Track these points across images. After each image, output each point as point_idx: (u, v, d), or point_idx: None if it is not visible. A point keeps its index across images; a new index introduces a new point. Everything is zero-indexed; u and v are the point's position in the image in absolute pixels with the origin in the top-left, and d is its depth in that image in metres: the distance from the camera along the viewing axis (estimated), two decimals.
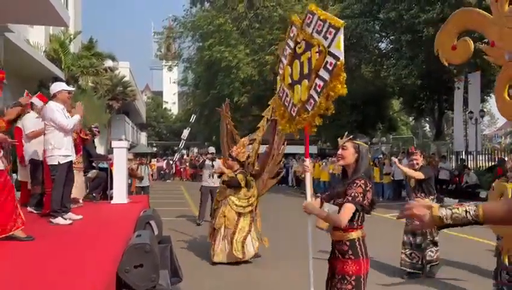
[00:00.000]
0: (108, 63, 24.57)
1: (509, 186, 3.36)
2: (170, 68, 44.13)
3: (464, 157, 19.03)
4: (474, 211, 1.50)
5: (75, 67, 19.84)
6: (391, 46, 21.57)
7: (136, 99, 34.42)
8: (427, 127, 48.54)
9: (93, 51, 21.94)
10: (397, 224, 6.33)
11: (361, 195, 2.61)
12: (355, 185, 2.64)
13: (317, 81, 2.98)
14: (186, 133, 29.80)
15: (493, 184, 4.06)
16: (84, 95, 19.26)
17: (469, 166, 17.34)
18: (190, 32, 34.10)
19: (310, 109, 3.06)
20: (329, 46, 2.90)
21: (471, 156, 18.86)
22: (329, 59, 2.88)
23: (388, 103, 30.99)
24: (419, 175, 5.67)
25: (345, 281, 2.63)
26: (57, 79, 16.94)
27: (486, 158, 18.92)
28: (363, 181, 2.65)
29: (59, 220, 4.41)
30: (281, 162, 6.82)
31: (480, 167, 18.18)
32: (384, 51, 22.11)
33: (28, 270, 2.75)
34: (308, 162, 3.20)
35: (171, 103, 69.78)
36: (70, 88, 5.09)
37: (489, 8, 1.77)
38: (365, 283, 2.67)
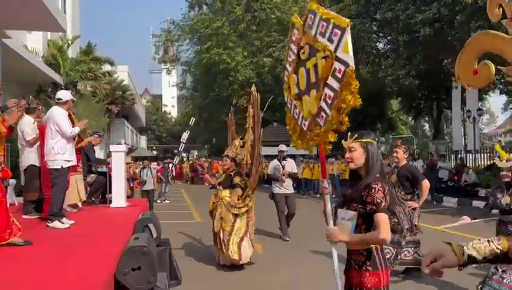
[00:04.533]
0: (107, 67, 24.61)
1: None
2: (169, 71, 44.15)
3: (462, 156, 19.06)
4: (499, 241, 1.42)
5: (73, 72, 19.86)
6: (388, 46, 21.63)
7: (135, 103, 34.45)
8: (427, 126, 48.60)
9: (91, 55, 21.96)
10: None
11: (384, 199, 2.38)
12: (373, 190, 2.39)
13: (327, 91, 2.63)
14: (185, 136, 29.74)
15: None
16: (82, 99, 19.29)
17: (468, 165, 17.36)
18: (188, 36, 34.19)
19: (321, 124, 2.71)
20: (335, 51, 2.55)
21: (470, 155, 18.88)
22: (337, 66, 2.54)
23: (387, 103, 31.09)
24: (425, 190, 5.56)
25: None
26: (55, 84, 17.01)
27: (485, 157, 18.94)
28: (380, 185, 2.41)
29: (56, 224, 4.44)
30: (260, 153, 6.82)
31: (479, 165, 18.20)
32: (381, 51, 22.16)
33: (26, 274, 2.78)
34: (326, 183, 2.87)
35: (171, 106, 69.85)
36: (75, 98, 5.35)
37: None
38: None
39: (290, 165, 8.50)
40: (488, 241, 1.43)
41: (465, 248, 1.43)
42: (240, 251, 6.10)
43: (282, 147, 8.76)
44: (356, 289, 2.44)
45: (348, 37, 2.47)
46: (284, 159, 8.51)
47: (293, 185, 8.70)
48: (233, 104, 26.25)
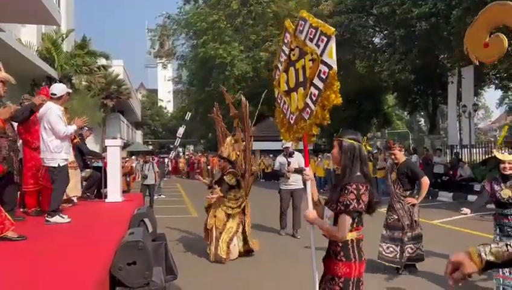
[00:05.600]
0: (102, 61, 24.47)
1: None
2: (165, 66, 44.05)
3: (458, 150, 19.13)
4: None
5: (68, 66, 19.74)
6: (385, 41, 21.60)
7: (131, 97, 34.32)
8: (422, 121, 48.73)
9: (86, 49, 21.82)
10: None
11: (355, 201, 2.47)
12: (346, 191, 2.49)
13: (312, 89, 2.93)
14: (181, 130, 29.71)
15: None
16: (77, 94, 19.18)
17: (463, 159, 17.43)
18: (184, 30, 34.05)
19: (306, 118, 3.00)
20: (321, 55, 2.87)
21: (466, 150, 18.97)
22: (322, 68, 2.85)
23: (383, 98, 31.13)
24: (425, 186, 5.57)
25: (333, 282, 2.57)
26: (50, 78, 16.89)
27: (481, 151, 19.03)
28: (354, 186, 2.49)
29: (57, 219, 4.41)
30: (251, 159, 6.88)
31: (474, 160, 18.28)
32: (377, 46, 22.13)
33: (21, 269, 2.75)
34: (308, 170, 3.06)
35: (166, 101, 69.70)
36: (70, 90, 5.19)
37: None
38: (355, 287, 2.54)
39: (297, 161, 8.06)
40: (507, 245, 1.39)
41: (482, 254, 1.40)
42: (228, 249, 6.30)
43: (287, 142, 8.36)
44: (329, 275, 2.62)
45: (332, 44, 2.80)
46: (290, 155, 8.21)
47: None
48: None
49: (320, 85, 2.85)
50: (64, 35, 20.19)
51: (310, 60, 3.01)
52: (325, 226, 2.62)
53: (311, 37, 3.01)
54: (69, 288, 2.34)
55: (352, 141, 2.64)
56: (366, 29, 21.09)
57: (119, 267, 2.76)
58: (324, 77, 2.82)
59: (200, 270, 5.96)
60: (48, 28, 18.99)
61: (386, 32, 20.73)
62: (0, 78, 4.38)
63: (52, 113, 4.59)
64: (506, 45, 1.66)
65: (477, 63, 1.85)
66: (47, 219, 4.44)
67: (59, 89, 4.85)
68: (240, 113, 6.78)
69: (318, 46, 2.91)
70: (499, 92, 31.22)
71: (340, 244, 2.57)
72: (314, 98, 2.92)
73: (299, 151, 7.83)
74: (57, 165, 4.59)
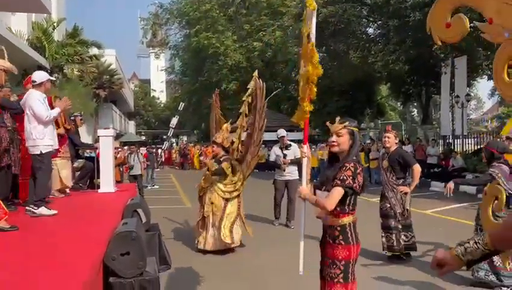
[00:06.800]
0: (94, 50, 24.19)
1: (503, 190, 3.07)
2: (157, 56, 43.74)
3: (450, 141, 19.26)
4: (483, 239, 1.47)
5: (59, 55, 19.50)
6: (378, 31, 21.56)
7: (123, 87, 34.00)
8: (415, 112, 48.93)
9: (77, 38, 21.54)
10: None
11: (351, 178, 2.59)
12: (344, 168, 2.63)
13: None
14: (174, 121, 29.61)
15: (485, 188, 3.83)
16: (69, 83, 18.98)
17: (456, 150, 17.56)
18: (177, 19, 33.72)
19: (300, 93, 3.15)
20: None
21: (458, 140, 19.10)
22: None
23: (376, 89, 31.16)
24: (416, 174, 5.59)
25: (334, 266, 2.67)
26: (41, 68, 16.67)
27: (473, 142, 19.16)
28: (352, 164, 2.64)
29: (43, 210, 4.31)
30: (261, 141, 6.70)
31: (466, 150, 18.42)
32: (371, 36, 22.09)
33: (13, 260, 2.73)
34: (306, 148, 3.17)
35: (159, 91, 69.21)
36: (53, 78, 5.00)
37: None
38: (354, 267, 2.71)
39: (293, 152, 7.99)
40: (476, 242, 1.47)
41: (460, 256, 1.49)
42: (232, 234, 6.18)
43: (282, 132, 8.18)
44: (329, 260, 2.71)
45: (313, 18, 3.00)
46: (287, 147, 8.05)
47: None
48: (224, 89, 26.04)
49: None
50: (55, 24, 19.90)
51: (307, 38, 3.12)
52: (315, 199, 2.74)
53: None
54: (63, 278, 2.32)
55: (357, 129, 2.81)
56: (360, 20, 21.01)
57: (112, 257, 2.74)
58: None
59: (193, 260, 5.96)
60: (38, 16, 18.70)
61: (379, 22, 20.68)
62: (3, 67, 4.28)
63: (31, 98, 4.44)
64: (468, 25, 1.67)
65: (440, 43, 1.86)
66: (33, 210, 4.30)
67: (39, 76, 4.69)
68: (253, 92, 6.43)
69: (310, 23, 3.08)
70: (491, 83, 31.36)
71: (339, 229, 2.68)
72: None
73: (299, 141, 7.72)
74: (39, 153, 4.43)
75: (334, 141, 2.75)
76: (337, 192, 2.59)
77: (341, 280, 2.65)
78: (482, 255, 1.48)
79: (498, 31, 1.58)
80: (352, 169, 2.61)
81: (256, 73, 6.60)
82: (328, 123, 2.84)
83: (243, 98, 6.63)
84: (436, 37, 1.76)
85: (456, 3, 1.71)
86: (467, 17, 1.65)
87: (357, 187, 2.63)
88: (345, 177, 2.59)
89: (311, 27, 3.02)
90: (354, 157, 2.71)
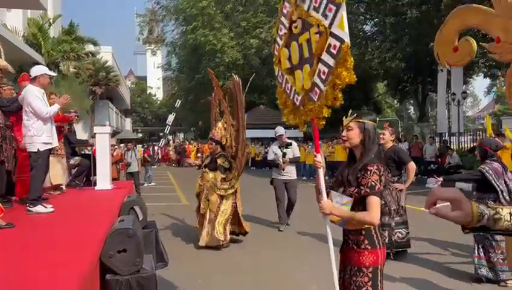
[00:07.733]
0: (90, 47, 24.09)
1: None
2: (154, 53, 43.51)
3: (446, 138, 19.32)
4: None
5: (55, 52, 19.40)
6: (375, 28, 21.59)
7: (120, 84, 33.92)
8: (412, 109, 49.03)
9: (73, 35, 21.46)
10: None
11: (379, 181, 2.39)
12: (369, 172, 2.39)
13: (321, 66, 2.59)
14: (171, 118, 29.60)
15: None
16: (65, 80, 18.90)
17: (452, 147, 17.61)
18: (173, 16, 33.59)
19: (315, 99, 2.67)
20: (330, 26, 2.50)
21: (454, 138, 19.17)
22: (332, 42, 2.49)
23: (373, 86, 31.22)
24: (411, 171, 5.58)
25: (361, 274, 2.42)
26: (37, 64, 16.61)
27: (469, 139, 19.23)
28: (375, 166, 2.40)
29: (39, 208, 4.28)
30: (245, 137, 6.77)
31: (462, 147, 18.49)
32: (368, 33, 22.12)
33: (10, 257, 2.72)
34: (319, 157, 2.85)
35: (156, 88, 68.99)
36: (52, 73, 4.93)
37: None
38: (382, 273, 2.46)
39: (293, 152, 7.71)
40: (510, 214, 1.25)
41: (480, 216, 1.24)
42: (225, 231, 6.24)
43: (280, 129, 7.76)
44: (354, 267, 2.45)
45: (343, 13, 2.42)
46: (286, 146, 7.63)
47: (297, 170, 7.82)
48: (220, 87, 26.01)
49: (331, 61, 2.51)
50: (51, 21, 19.80)
51: (316, 33, 2.63)
52: (350, 214, 2.43)
53: (316, 6, 2.62)
54: (59, 275, 2.32)
55: (373, 123, 2.56)
56: (357, 17, 21.03)
57: (109, 254, 2.74)
58: (335, 52, 2.47)
59: (190, 257, 5.97)
60: (34, 13, 18.58)
61: (376, 19, 20.71)
62: None
63: (30, 95, 4.39)
64: (476, 48, 1.66)
65: (449, 67, 1.85)
66: (29, 208, 4.28)
67: (34, 69, 4.62)
68: (231, 90, 6.60)
69: (325, 16, 2.53)
70: (488, 81, 31.50)
71: (363, 233, 2.45)
72: (323, 77, 2.58)
73: (295, 139, 7.71)
74: (36, 150, 4.39)
75: (343, 136, 2.56)
76: (375, 202, 2.38)
77: (370, 289, 2.41)
78: (503, 229, 1.26)
79: (506, 48, 1.55)
80: (377, 172, 2.39)
81: (234, 76, 6.79)
82: (344, 118, 2.60)
83: (217, 97, 6.90)
84: (443, 62, 1.74)
85: (461, 27, 1.70)
86: (473, 40, 1.64)
87: (381, 188, 2.45)
88: (373, 183, 2.37)
89: (342, 23, 2.45)
90: (373, 156, 2.46)
